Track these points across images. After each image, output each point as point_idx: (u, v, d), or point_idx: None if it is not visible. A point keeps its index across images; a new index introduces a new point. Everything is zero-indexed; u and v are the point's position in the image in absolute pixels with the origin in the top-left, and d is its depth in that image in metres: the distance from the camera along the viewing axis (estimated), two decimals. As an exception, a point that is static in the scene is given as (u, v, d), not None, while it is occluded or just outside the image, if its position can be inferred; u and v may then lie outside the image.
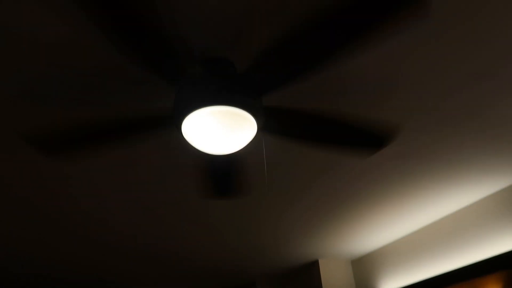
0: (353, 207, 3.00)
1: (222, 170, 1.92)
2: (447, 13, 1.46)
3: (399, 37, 1.55)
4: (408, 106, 1.94)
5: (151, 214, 2.91)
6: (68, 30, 1.41)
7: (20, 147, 2.03)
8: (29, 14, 1.34)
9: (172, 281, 4.70)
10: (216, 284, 4.91)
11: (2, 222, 2.87)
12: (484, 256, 2.91)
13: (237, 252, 3.81)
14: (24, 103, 1.73)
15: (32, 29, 1.40)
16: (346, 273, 4.19)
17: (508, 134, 2.26)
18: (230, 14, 1.40)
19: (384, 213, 3.15)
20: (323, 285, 3.98)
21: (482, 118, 2.10)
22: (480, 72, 1.77)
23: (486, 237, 2.92)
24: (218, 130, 1.44)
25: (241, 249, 3.75)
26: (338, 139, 1.76)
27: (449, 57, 1.67)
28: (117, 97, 1.76)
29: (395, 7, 1.15)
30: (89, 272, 4.12)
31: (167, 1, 1.33)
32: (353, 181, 2.62)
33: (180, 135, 1.65)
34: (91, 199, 2.62)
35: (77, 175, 2.33)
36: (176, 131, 1.80)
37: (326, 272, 4.07)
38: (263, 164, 2.33)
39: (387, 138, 1.79)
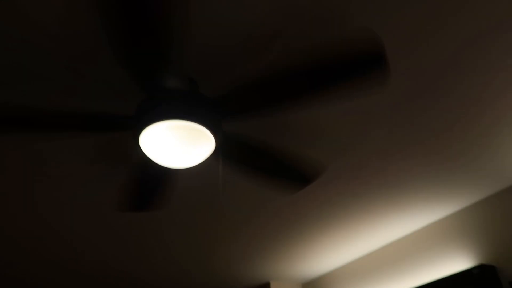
0: (304, 230, 3.06)
1: (152, 182, 1.88)
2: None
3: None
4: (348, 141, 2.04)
5: (104, 231, 2.85)
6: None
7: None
8: None
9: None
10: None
11: None
12: (429, 279, 3.05)
13: (189, 273, 3.76)
14: None
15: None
16: (296, 296, 4.21)
17: (455, 161, 2.39)
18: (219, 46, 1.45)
19: (334, 237, 3.23)
20: (274, 307, 3.97)
21: (429, 143, 2.21)
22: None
23: (432, 261, 3.06)
24: (176, 144, 1.47)
25: (193, 270, 3.70)
26: (272, 173, 1.85)
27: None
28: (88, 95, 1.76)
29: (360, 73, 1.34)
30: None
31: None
32: (304, 204, 2.69)
33: (138, 147, 1.66)
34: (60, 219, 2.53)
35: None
36: (134, 143, 1.80)
37: (277, 295, 4.08)
38: (217, 185, 2.35)
39: (313, 176, 1.90)
